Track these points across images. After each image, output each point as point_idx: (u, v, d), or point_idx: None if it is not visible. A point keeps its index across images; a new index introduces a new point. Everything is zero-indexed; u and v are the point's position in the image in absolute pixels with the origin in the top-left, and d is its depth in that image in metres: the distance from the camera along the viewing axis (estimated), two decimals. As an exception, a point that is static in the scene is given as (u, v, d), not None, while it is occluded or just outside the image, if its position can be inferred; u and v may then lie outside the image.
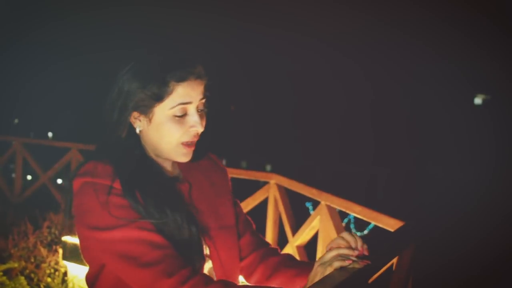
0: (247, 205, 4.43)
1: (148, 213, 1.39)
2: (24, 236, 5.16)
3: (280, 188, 4.23)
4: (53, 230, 5.35)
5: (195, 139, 1.49)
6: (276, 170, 4.85)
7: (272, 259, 1.63)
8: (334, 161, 27.27)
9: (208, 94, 1.51)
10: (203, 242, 1.50)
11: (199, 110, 1.48)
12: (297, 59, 32.65)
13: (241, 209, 1.73)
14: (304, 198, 4.08)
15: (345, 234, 1.41)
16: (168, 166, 1.56)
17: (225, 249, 1.55)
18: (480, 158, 24.10)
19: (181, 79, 1.42)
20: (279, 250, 1.71)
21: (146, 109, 1.44)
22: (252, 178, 4.64)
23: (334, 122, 29.96)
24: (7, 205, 6.95)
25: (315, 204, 3.66)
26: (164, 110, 1.43)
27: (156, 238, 1.36)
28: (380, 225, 2.78)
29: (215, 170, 1.69)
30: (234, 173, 4.74)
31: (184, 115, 1.45)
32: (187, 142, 1.47)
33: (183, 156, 1.48)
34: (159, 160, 1.54)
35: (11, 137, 7.84)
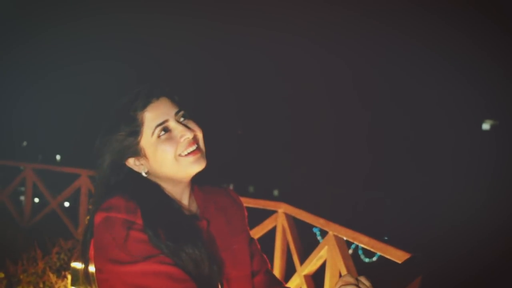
0: (255, 233, 4.44)
1: (168, 249, 1.40)
2: (33, 261, 5.19)
3: (288, 217, 4.24)
4: (62, 256, 5.38)
5: (193, 146, 1.50)
6: (283, 195, 4.87)
7: None
8: (341, 186, 27.20)
9: (182, 106, 1.54)
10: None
11: (181, 121, 1.51)
12: (304, 84, 32.75)
13: (256, 247, 1.73)
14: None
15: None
16: (185, 202, 1.58)
17: (238, 287, 1.57)
18: (488, 183, 23.97)
19: (144, 106, 1.47)
20: None
21: (135, 150, 1.49)
22: (261, 206, 4.65)
23: (342, 148, 29.94)
24: (17, 230, 6.97)
25: (323, 229, 3.68)
26: (148, 139, 1.48)
27: (176, 271, 1.37)
28: (387, 256, 2.80)
29: (232, 207, 1.70)
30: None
31: (168, 132, 1.49)
32: (186, 152, 1.49)
33: (193, 165, 1.50)
34: (177, 197, 1.57)
35: (22, 162, 7.89)
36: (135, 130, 1.47)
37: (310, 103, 32.00)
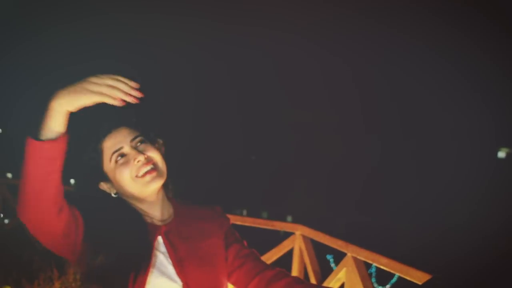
0: (272, 255, 4.43)
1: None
2: (50, 281, 5.21)
3: (306, 239, 4.24)
4: (78, 276, 5.39)
5: (146, 167, 1.69)
6: (297, 222, 4.86)
7: (279, 283, 1.68)
8: (354, 212, 27.08)
9: (140, 129, 1.76)
10: (177, 276, 1.66)
11: (136, 147, 1.71)
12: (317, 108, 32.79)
13: (239, 248, 1.82)
14: (325, 250, 4.07)
15: None
16: (156, 213, 1.77)
17: (197, 284, 1.68)
18: (504, 213, 23.72)
19: (104, 135, 1.70)
20: (287, 273, 1.75)
21: (101, 175, 1.71)
22: (278, 228, 4.66)
23: (354, 175, 29.85)
24: (34, 251, 7.00)
25: (336, 256, 3.67)
26: (108, 166, 1.70)
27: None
28: (407, 278, 2.79)
29: (207, 217, 1.85)
30: (259, 223, 4.78)
31: (124, 156, 1.70)
32: (142, 173, 1.68)
33: (149, 184, 1.69)
34: (145, 209, 1.76)
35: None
36: (96, 158, 1.70)
37: (316, 122, 32.01)
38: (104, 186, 1.73)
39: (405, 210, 26.07)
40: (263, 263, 1.80)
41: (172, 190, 1.88)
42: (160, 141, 1.83)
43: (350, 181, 29.36)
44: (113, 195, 1.73)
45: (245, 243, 1.86)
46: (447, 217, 25.52)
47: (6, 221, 8.28)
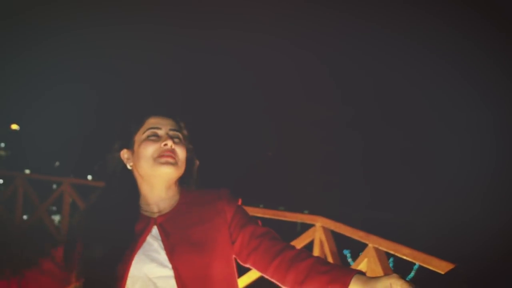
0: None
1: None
2: (71, 274, 5.26)
3: (326, 230, 4.22)
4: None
5: (168, 153, 1.78)
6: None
7: (303, 263, 1.64)
8: (370, 207, 27.02)
9: (182, 131, 1.89)
10: (168, 262, 1.71)
11: (171, 136, 1.83)
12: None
13: (253, 228, 1.79)
14: (342, 245, 4.05)
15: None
16: (161, 205, 1.84)
17: (187, 269, 1.70)
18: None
19: (152, 114, 1.87)
20: (308, 253, 1.72)
21: (130, 141, 1.85)
22: (298, 220, 4.65)
23: (369, 170, 29.78)
24: (54, 244, 7.07)
25: (353, 251, 3.66)
26: (140, 136, 1.83)
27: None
28: (430, 268, 2.78)
29: (208, 202, 1.86)
30: (279, 215, 4.78)
31: (156, 137, 1.82)
32: (160, 155, 1.78)
33: (161, 165, 1.77)
34: (151, 197, 1.84)
35: (60, 177, 8.02)
36: (137, 127, 1.85)
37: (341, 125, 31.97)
38: (124, 154, 1.86)
39: (421, 206, 25.96)
40: (282, 241, 1.76)
41: (191, 182, 1.93)
42: (197, 161, 1.93)
43: (366, 176, 29.30)
44: (128, 166, 1.85)
45: (259, 222, 1.84)
46: (466, 212, 25.37)
47: (24, 217, 8.38)
